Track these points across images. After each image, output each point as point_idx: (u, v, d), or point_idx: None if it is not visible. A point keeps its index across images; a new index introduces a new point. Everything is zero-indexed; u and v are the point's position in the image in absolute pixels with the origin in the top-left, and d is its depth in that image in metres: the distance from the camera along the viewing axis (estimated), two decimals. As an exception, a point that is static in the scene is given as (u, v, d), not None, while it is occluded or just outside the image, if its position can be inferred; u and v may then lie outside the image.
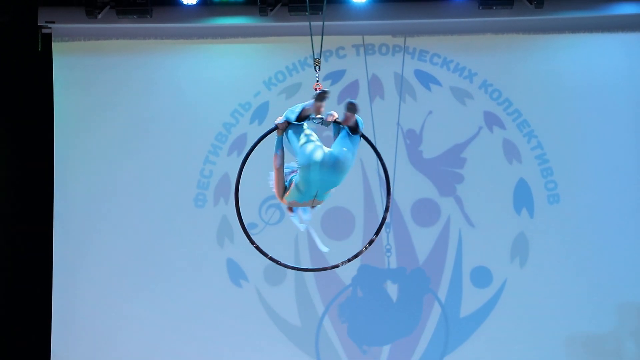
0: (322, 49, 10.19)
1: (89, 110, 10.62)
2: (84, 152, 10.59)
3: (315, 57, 6.55)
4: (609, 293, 10.31)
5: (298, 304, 10.49)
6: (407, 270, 10.48)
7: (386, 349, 10.44)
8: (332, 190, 6.39)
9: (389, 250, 10.45)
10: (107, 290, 10.48)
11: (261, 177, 10.16)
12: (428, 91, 10.60)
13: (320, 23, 7.01)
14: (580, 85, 10.51)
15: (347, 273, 10.47)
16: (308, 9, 7.34)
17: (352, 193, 10.32)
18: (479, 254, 10.45)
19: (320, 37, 6.86)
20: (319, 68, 6.62)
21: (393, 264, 10.48)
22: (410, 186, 10.52)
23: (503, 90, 10.56)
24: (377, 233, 6.45)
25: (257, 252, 10.24)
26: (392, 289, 10.49)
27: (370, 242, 6.45)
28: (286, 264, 6.34)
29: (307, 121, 6.38)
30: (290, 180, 6.41)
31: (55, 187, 10.54)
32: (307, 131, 6.33)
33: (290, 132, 6.28)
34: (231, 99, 10.62)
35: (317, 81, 6.42)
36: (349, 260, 6.38)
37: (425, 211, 10.50)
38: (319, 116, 6.24)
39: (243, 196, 10.39)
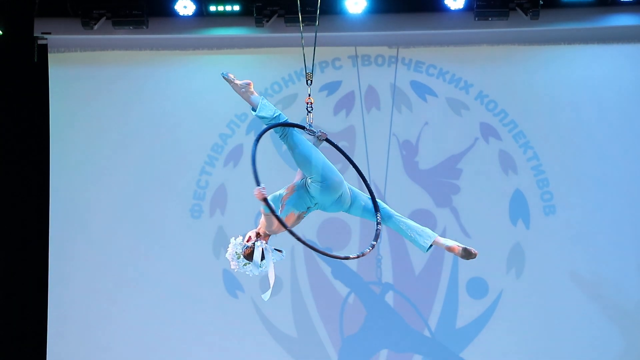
0: (318, 60, 10.30)
1: (86, 121, 10.63)
2: (80, 161, 10.59)
3: (307, 71, 6.54)
4: (605, 304, 10.30)
5: (294, 315, 10.48)
6: (403, 281, 10.47)
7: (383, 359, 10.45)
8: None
9: (379, 260, 10.43)
10: (103, 300, 10.48)
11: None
12: (424, 102, 10.61)
13: (315, 34, 7.02)
14: (576, 97, 10.51)
15: (343, 284, 10.46)
16: (301, 20, 7.33)
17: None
18: (475, 265, 10.40)
19: (316, 47, 6.86)
20: (311, 82, 6.61)
21: (389, 275, 10.48)
22: (406, 197, 10.52)
23: (499, 101, 10.57)
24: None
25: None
26: (388, 300, 10.48)
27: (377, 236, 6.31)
28: (314, 247, 6.20)
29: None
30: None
31: (51, 197, 10.53)
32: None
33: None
34: (227, 110, 10.63)
35: (309, 95, 6.42)
36: (362, 254, 6.27)
37: (421, 222, 10.34)
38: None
39: (239, 208, 10.47)
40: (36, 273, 10.55)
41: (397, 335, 10.44)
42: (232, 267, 6.19)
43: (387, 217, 6.45)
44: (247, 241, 6.16)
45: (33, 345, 10.54)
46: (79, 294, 10.48)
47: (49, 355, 10.45)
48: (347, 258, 6.30)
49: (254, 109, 6.18)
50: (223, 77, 6.14)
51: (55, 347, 10.45)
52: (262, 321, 10.46)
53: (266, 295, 6.24)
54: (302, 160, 6.16)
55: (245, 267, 6.17)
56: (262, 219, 6.12)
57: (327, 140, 6.31)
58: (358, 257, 6.22)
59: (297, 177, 6.34)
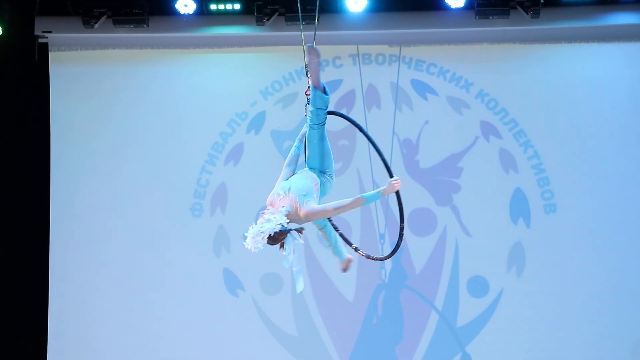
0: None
1: (86, 120, 10.63)
2: (80, 161, 10.59)
3: (307, 62, 6.58)
4: (606, 303, 10.30)
5: (295, 314, 10.48)
6: (403, 280, 10.47)
7: (382, 358, 10.42)
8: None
9: (383, 263, 10.43)
10: (103, 300, 10.48)
11: (257, 186, 10.25)
12: (425, 101, 10.61)
13: (317, 32, 7.03)
14: (576, 95, 10.51)
15: (344, 282, 10.46)
16: (301, 18, 7.35)
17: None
18: (475, 264, 10.44)
19: (317, 46, 6.87)
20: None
21: (389, 274, 10.48)
22: (407, 196, 10.35)
23: (499, 99, 10.57)
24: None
25: (254, 261, 10.28)
26: (388, 299, 10.47)
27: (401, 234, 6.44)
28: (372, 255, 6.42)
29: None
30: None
31: (51, 196, 10.53)
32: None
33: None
34: (228, 108, 10.64)
35: (309, 87, 6.45)
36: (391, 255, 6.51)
37: (422, 221, 10.50)
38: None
39: (239, 207, 10.47)
40: (36, 272, 10.55)
41: (398, 334, 10.43)
42: (254, 241, 5.94)
43: (332, 227, 6.57)
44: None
45: (34, 344, 10.54)
46: (79, 293, 10.49)
47: (49, 353, 10.46)
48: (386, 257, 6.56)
49: (316, 88, 6.16)
50: (310, 47, 6.13)
51: (55, 345, 10.45)
52: (263, 320, 10.46)
53: (299, 287, 6.16)
54: (326, 153, 6.23)
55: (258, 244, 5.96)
56: (317, 208, 6.01)
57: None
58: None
59: (287, 173, 6.34)
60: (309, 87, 6.37)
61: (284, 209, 6.03)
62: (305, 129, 6.53)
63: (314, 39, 6.59)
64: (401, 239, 6.31)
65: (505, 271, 10.41)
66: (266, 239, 5.93)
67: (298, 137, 6.52)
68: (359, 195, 6.02)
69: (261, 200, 6.55)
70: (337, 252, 6.63)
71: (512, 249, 10.43)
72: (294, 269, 6.09)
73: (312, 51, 6.11)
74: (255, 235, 5.92)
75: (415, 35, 10.60)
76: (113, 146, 10.62)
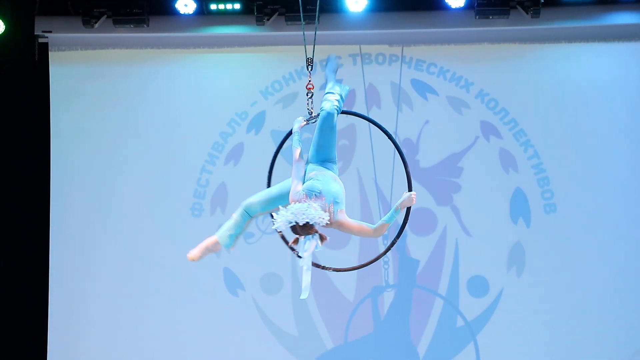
0: (319, 59, 10.26)
1: (86, 120, 10.63)
2: (80, 161, 10.59)
3: (308, 56, 6.60)
4: (606, 303, 10.30)
5: (295, 314, 10.48)
6: (403, 280, 10.47)
7: (383, 359, 10.42)
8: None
9: (386, 262, 10.43)
10: (103, 299, 10.48)
11: (257, 186, 10.24)
12: (425, 100, 10.61)
13: (317, 32, 7.05)
14: (576, 95, 10.51)
15: (344, 282, 10.46)
16: (302, 17, 7.36)
17: (348, 202, 10.29)
18: (475, 264, 10.44)
19: (317, 46, 6.90)
20: (312, 67, 6.65)
21: (390, 274, 10.48)
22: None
23: (499, 99, 10.57)
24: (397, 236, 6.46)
25: (254, 261, 10.28)
26: (388, 299, 10.48)
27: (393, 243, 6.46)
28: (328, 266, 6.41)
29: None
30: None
31: (52, 196, 10.53)
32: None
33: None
34: (228, 108, 10.63)
35: (310, 81, 6.45)
36: (372, 261, 6.48)
37: (422, 221, 10.49)
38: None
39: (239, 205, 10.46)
40: (36, 272, 10.55)
41: (398, 333, 10.43)
42: (293, 216, 5.83)
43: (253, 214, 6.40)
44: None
45: (34, 344, 10.54)
46: (79, 292, 10.48)
47: (49, 353, 10.45)
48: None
49: (338, 81, 6.41)
50: (334, 60, 6.35)
51: (55, 345, 10.45)
52: (263, 320, 10.46)
53: (304, 295, 6.12)
54: (334, 143, 6.24)
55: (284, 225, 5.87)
56: (349, 222, 6.01)
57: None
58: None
59: (299, 169, 6.31)
60: (310, 81, 6.39)
61: None
62: (302, 122, 6.54)
63: (314, 39, 6.60)
64: (385, 253, 6.30)
65: (505, 271, 10.41)
66: (303, 223, 5.80)
67: (296, 131, 6.49)
68: (380, 222, 6.06)
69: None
70: (230, 239, 6.26)
71: (512, 248, 10.43)
72: (304, 267, 6.07)
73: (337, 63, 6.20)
74: (298, 213, 5.80)
75: (415, 35, 10.60)
76: (113, 146, 10.62)
